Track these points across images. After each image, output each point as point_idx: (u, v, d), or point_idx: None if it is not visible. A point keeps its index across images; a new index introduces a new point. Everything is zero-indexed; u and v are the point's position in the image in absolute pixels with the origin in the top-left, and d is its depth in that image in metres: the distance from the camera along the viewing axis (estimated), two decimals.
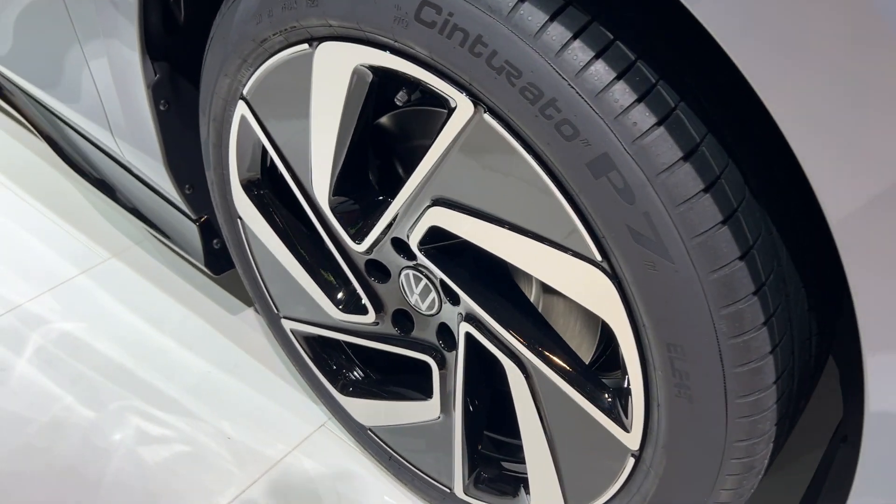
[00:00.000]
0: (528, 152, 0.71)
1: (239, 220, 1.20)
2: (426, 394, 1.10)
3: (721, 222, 0.65)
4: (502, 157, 0.74)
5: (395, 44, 0.76)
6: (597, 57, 0.64)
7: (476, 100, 0.73)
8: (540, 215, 0.75)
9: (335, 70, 0.85)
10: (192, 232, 1.39)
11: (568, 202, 0.71)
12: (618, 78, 0.64)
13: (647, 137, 0.64)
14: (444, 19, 0.70)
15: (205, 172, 1.23)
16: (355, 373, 1.26)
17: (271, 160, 1.08)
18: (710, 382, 0.70)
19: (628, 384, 0.78)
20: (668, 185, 0.64)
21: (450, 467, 1.13)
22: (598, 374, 0.89)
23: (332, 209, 1.01)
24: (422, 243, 0.92)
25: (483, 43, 0.68)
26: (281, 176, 1.08)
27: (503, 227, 0.79)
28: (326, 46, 0.84)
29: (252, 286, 1.30)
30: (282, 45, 0.90)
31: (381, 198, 0.98)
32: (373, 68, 0.82)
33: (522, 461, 1.08)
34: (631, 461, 0.83)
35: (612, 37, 0.65)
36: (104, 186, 1.59)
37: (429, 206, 0.87)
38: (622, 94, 0.64)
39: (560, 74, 0.65)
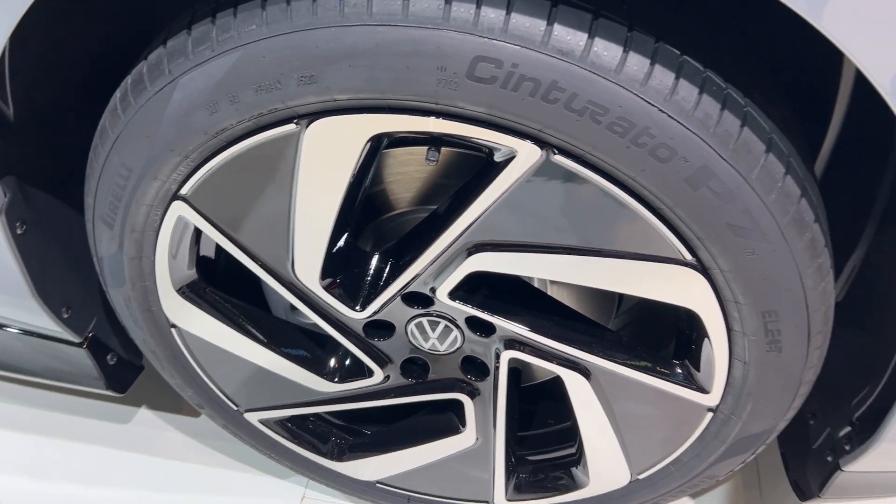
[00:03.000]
0: (609, 180, 0.71)
1: (173, 329, 1.01)
2: (452, 426, 1.07)
3: (800, 196, 0.72)
4: (574, 190, 0.72)
5: (436, 106, 0.68)
6: (677, 78, 0.65)
7: (542, 143, 0.70)
8: (618, 233, 0.75)
9: (338, 144, 0.74)
10: (80, 356, 1.14)
11: (654, 215, 0.73)
12: (700, 93, 0.66)
13: (739, 141, 0.67)
14: (507, 72, 0.65)
15: (78, 290, 1.01)
16: (346, 435, 1.17)
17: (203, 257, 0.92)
18: (798, 331, 0.79)
19: (704, 351, 0.85)
20: (760, 178, 0.69)
21: (486, 482, 1.12)
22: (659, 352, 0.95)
23: (326, 286, 0.90)
24: (454, 290, 0.87)
25: (560, 88, 0.65)
26: (222, 269, 0.93)
27: (569, 253, 0.78)
28: (324, 122, 0.72)
29: (198, 393, 1.11)
30: (248, 130, 0.75)
31: (391, 262, 0.89)
32: (388, 134, 0.73)
33: (559, 447, 1.12)
34: (709, 415, 0.91)
35: (680, 53, 0.66)
36: None
37: (470, 254, 0.82)
38: (709, 107, 0.66)
39: (650, 103, 0.65)
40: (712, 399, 0.89)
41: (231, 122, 0.74)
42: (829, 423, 1.03)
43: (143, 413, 1.44)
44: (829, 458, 1.02)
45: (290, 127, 0.74)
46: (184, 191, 0.82)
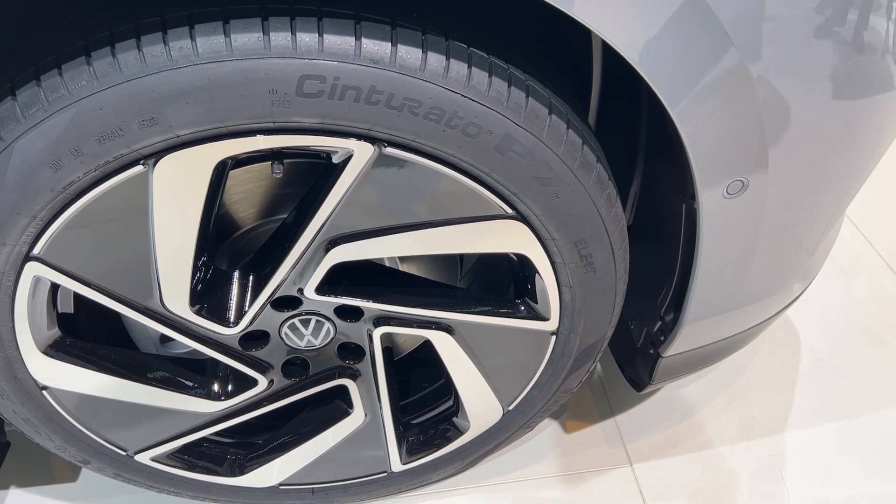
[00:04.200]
0: (434, 161, 0.83)
1: (44, 391, 1.00)
2: (341, 411, 1.16)
3: (582, 144, 0.89)
4: (407, 175, 0.85)
5: (274, 125, 0.77)
6: (469, 67, 0.79)
7: (373, 140, 0.81)
8: (450, 203, 0.89)
9: (188, 176, 0.80)
10: None
11: (475, 182, 0.86)
12: (490, 76, 0.80)
13: (527, 109, 0.83)
14: (331, 85, 0.75)
15: None
16: (240, 450, 1.22)
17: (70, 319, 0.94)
18: (604, 251, 0.98)
19: (538, 285, 1.01)
20: (550, 136, 0.85)
21: (382, 453, 1.23)
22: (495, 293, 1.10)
23: (196, 311, 0.95)
24: (320, 286, 0.96)
25: (378, 91, 0.76)
26: (82, 320, 0.95)
27: (414, 229, 0.90)
28: (171, 158, 0.78)
29: (81, 449, 1.11)
30: (95, 179, 0.79)
31: (255, 274, 0.96)
32: (233, 157, 0.81)
33: (437, 404, 1.25)
34: (553, 338, 1.08)
35: (467, 47, 0.80)
36: None
37: (328, 249, 0.91)
38: (499, 86, 0.81)
39: (453, 91, 0.78)
40: (552, 324, 1.06)
41: (77, 174, 0.78)
42: (644, 323, 1.25)
43: (14, 494, 1.37)
44: (651, 351, 1.24)
45: (138, 168, 0.79)
46: (36, 251, 0.84)
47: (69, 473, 1.40)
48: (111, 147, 0.76)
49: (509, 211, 0.90)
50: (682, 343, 1.20)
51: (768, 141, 0.89)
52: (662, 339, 1.21)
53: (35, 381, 0.99)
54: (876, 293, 1.82)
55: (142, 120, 0.74)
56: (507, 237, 0.93)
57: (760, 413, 1.52)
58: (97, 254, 0.87)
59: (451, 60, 0.78)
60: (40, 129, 0.74)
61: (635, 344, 1.29)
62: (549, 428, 1.49)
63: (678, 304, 1.14)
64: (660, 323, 1.21)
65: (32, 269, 0.86)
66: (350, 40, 0.74)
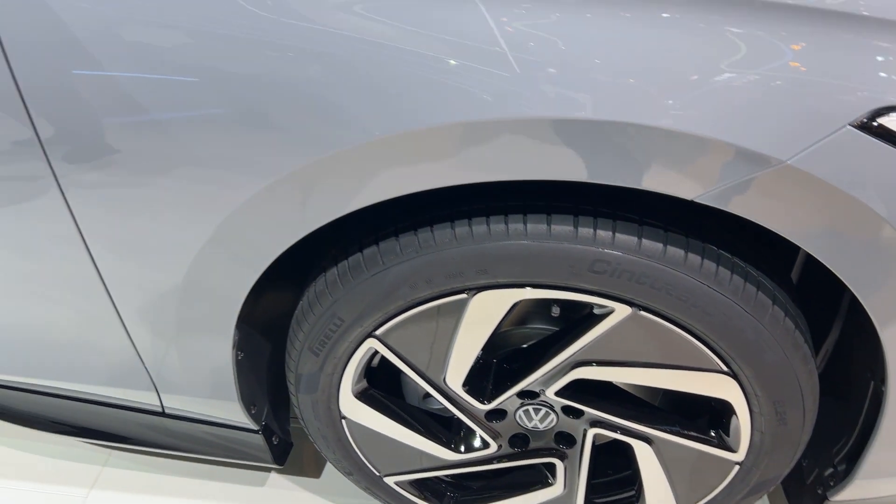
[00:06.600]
0: (674, 324, 1.10)
1: (343, 420, 1.38)
2: (544, 480, 1.45)
3: (794, 329, 1.11)
4: (649, 329, 1.12)
5: (565, 285, 1.07)
6: (718, 265, 1.05)
7: (632, 304, 1.09)
8: (678, 354, 1.14)
9: (493, 306, 1.13)
10: (255, 440, 1.49)
11: (702, 343, 1.12)
12: (732, 273, 1.05)
13: (756, 299, 1.07)
14: (613, 268, 1.04)
15: (258, 393, 1.40)
16: (457, 491, 1.54)
17: (371, 371, 1.31)
18: (797, 410, 1.19)
19: (733, 424, 1.24)
20: (770, 321, 1.08)
21: None
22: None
23: (465, 389, 1.27)
24: (560, 391, 1.25)
25: (646, 276, 1.04)
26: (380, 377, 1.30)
27: (644, 367, 1.17)
28: (486, 293, 1.11)
29: (350, 463, 1.48)
30: (433, 296, 1.13)
31: (514, 370, 1.27)
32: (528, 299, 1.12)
33: (620, 491, 1.50)
34: (736, 467, 1.30)
35: (716, 248, 1.06)
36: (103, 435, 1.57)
37: (573, 367, 1.20)
38: (738, 281, 1.06)
39: (701, 282, 1.04)
40: (738, 456, 1.28)
41: (424, 294, 1.13)
42: (817, 464, 1.42)
43: (273, 476, 1.79)
44: (819, 491, 1.41)
45: (462, 296, 1.12)
46: (378, 332, 1.20)
47: (314, 470, 1.80)
48: (452, 281, 1.10)
49: (725, 369, 1.15)
50: (851, 492, 1.36)
51: None
52: (832, 484, 1.38)
53: (340, 412, 1.36)
54: None
55: (477, 269, 1.07)
56: (719, 387, 1.17)
57: None
58: (415, 340, 1.21)
59: (705, 259, 1.04)
60: (411, 263, 1.09)
61: (805, 480, 1.46)
62: None
63: (853, 457, 1.31)
64: (832, 470, 1.38)
65: (370, 343, 1.22)
66: (634, 239, 1.03)
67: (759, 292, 1.07)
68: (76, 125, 1.02)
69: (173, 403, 1.43)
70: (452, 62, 0.88)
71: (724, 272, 1.05)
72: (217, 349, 1.26)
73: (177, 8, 0.93)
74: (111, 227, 1.13)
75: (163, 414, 1.46)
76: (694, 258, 1.04)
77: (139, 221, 1.11)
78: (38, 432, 1.65)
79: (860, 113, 0.85)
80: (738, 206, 0.94)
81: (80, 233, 1.14)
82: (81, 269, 1.20)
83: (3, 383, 1.56)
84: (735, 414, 1.22)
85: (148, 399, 1.43)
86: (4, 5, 0.96)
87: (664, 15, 0.87)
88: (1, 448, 1.82)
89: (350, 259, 1.15)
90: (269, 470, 1.78)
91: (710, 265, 1.04)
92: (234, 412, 1.40)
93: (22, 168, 1.09)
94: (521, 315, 1.34)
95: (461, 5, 0.88)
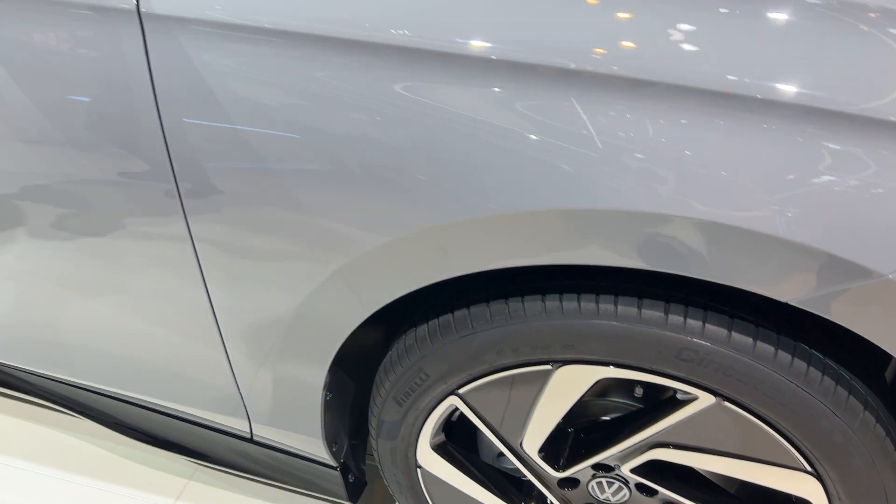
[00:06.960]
0: (758, 418, 1.09)
1: (418, 469, 1.42)
2: None
3: (884, 437, 1.08)
4: (732, 420, 1.11)
5: (651, 368, 1.09)
6: (809, 365, 1.04)
7: (716, 393, 1.09)
8: (761, 448, 1.13)
9: (576, 382, 1.15)
10: (333, 476, 1.56)
11: (786, 440, 1.10)
12: (823, 374, 1.04)
13: (847, 403, 1.05)
14: (700, 357, 1.05)
15: (339, 432, 1.47)
16: None
17: (449, 423, 1.35)
18: (876, 493, 1.15)
19: None
20: (860, 426, 1.06)
21: None
22: None
23: (540, 455, 1.30)
24: (635, 468, 1.26)
25: (734, 370, 1.04)
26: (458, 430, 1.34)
27: (724, 456, 1.16)
28: (571, 367, 1.14)
29: None
30: (518, 364, 1.17)
31: (591, 441, 1.29)
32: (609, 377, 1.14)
33: None
34: None
35: (808, 348, 1.05)
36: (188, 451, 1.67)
37: (652, 447, 1.21)
38: (829, 383, 1.04)
39: (789, 380, 1.04)
40: None
41: (509, 361, 1.16)
42: None
43: None
44: None
45: (547, 367, 1.15)
46: (461, 391, 1.24)
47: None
48: (538, 353, 1.13)
49: (809, 469, 1.13)
50: None
51: None
52: None
53: (416, 461, 1.41)
54: None
55: (564, 344, 1.10)
56: (801, 485, 1.15)
57: None
58: (496, 403, 1.25)
59: (796, 358, 1.04)
60: (499, 330, 1.14)
61: None
62: None
63: None
64: None
65: (452, 400, 1.27)
66: (724, 331, 1.04)
67: (851, 396, 1.05)
68: (210, 174, 1.12)
69: (262, 432, 1.51)
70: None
71: (815, 373, 1.04)
72: (310, 384, 1.33)
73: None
74: (230, 259, 1.21)
75: (251, 441, 1.55)
76: (784, 356, 1.03)
77: (261, 256, 1.19)
78: (132, 440, 1.77)
79: None
80: (836, 313, 0.94)
81: (197, 257, 1.23)
82: (193, 294, 1.29)
83: (106, 392, 1.69)
84: None
85: (239, 425, 1.52)
86: (165, 66, 1.06)
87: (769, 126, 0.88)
88: (99, 451, 1.96)
89: (440, 319, 1.20)
90: None
91: (800, 364, 1.04)
92: (316, 447, 1.47)
93: (154, 200, 1.19)
94: (603, 387, 1.35)
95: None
